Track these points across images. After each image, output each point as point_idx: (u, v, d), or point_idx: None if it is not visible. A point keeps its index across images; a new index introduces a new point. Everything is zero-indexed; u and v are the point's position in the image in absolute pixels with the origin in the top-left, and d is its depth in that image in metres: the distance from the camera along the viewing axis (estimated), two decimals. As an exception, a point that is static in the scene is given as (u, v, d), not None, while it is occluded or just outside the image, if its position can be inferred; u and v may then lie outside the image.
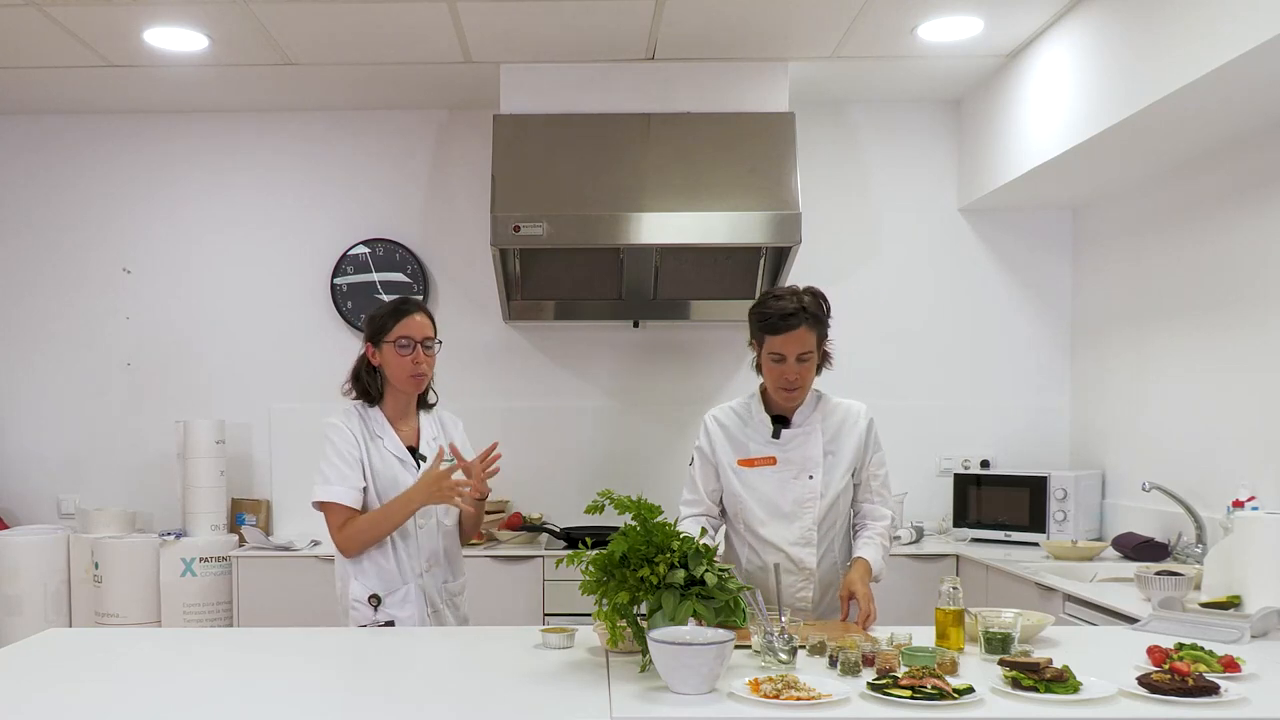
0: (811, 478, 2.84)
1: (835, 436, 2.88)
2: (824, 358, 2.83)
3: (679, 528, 2.77)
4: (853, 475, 2.89)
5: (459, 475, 2.67)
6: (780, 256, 4.24)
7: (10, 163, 4.79)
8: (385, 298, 4.53)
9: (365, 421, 2.78)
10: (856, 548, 2.86)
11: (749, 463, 2.87)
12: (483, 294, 4.69)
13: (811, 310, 2.73)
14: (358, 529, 2.69)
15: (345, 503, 2.69)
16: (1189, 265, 3.86)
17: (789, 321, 2.71)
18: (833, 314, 2.82)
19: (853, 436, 2.88)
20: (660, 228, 4.03)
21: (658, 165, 4.07)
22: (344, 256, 4.73)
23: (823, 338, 2.79)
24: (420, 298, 4.65)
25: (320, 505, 2.72)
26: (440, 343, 2.83)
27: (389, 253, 4.72)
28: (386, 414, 2.81)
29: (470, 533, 2.94)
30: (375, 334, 2.77)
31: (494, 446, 2.70)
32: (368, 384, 2.80)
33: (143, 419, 4.76)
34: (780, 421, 2.88)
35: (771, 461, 2.85)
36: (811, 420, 2.88)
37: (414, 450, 2.81)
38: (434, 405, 2.92)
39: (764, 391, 2.90)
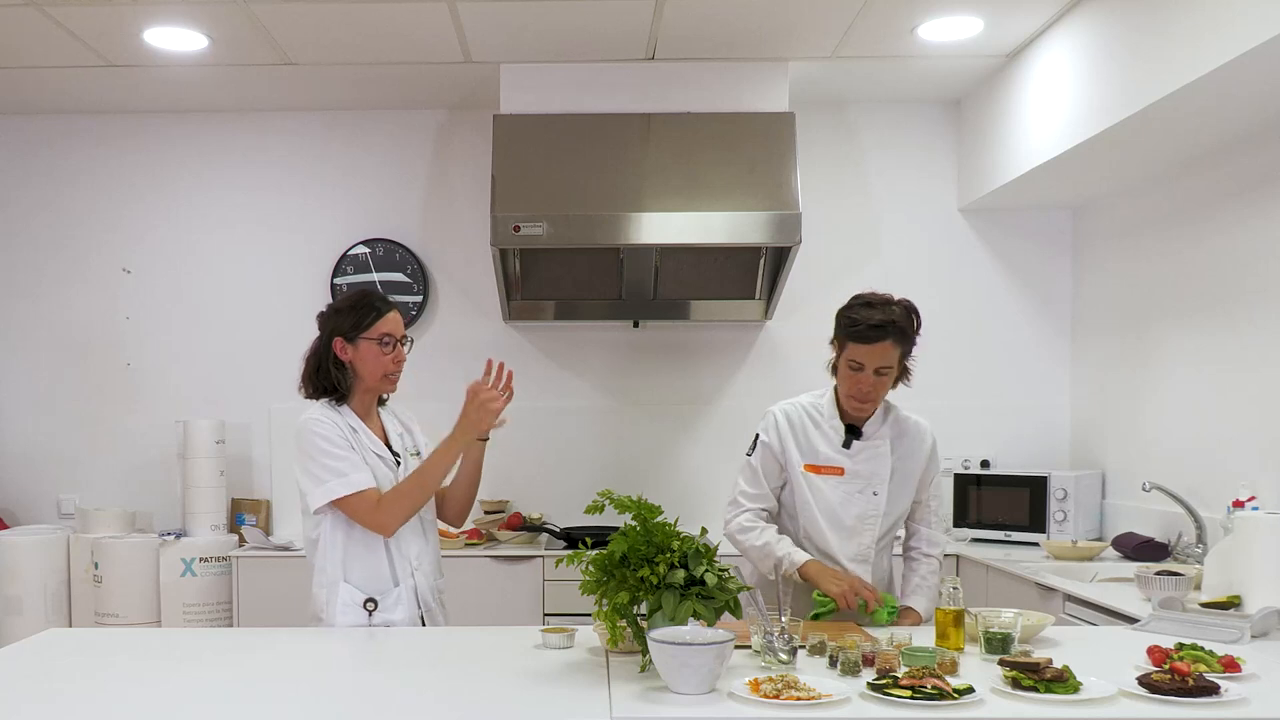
0: (876, 494, 2.77)
1: (905, 454, 2.81)
2: (904, 372, 2.75)
3: (740, 520, 2.75)
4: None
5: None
6: (780, 256, 4.24)
7: (10, 163, 4.79)
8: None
9: (341, 417, 2.66)
10: (907, 590, 2.82)
11: (815, 469, 2.78)
12: (483, 294, 4.69)
13: (901, 324, 2.65)
14: (399, 496, 2.56)
15: (371, 486, 2.57)
16: (1189, 265, 3.86)
17: (876, 333, 2.62)
18: (921, 329, 2.73)
19: (920, 455, 2.83)
20: (660, 228, 4.03)
21: (658, 165, 4.07)
22: (344, 256, 4.73)
23: (906, 354, 2.71)
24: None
25: (339, 502, 2.56)
26: (412, 341, 2.77)
27: (389, 253, 4.72)
28: (355, 411, 2.70)
29: (467, 503, 2.82)
30: (352, 328, 2.64)
31: (501, 367, 2.66)
32: (337, 380, 2.65)
33: (143, 419, 4.76)
34: (851, 431, 2.80)
35: (839, 472, 2.77)
36: (882, 433, 2.80)
37: (387, 447, 2.72)
38: (386, 401, 2.83)
39: (837, 395, 2.83)
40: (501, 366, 2.67)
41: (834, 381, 2.81)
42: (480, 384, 2.61)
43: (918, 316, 2.71)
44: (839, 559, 2.75)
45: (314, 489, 2.59)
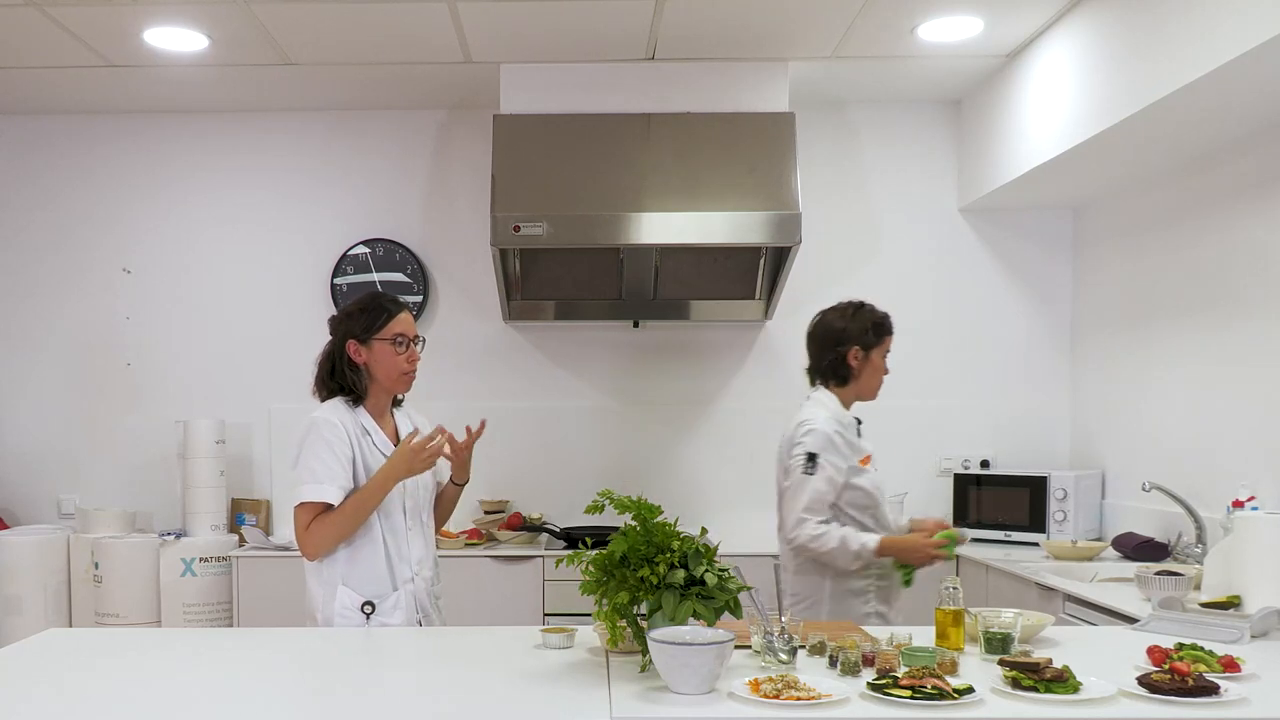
0: (877, 468, 3.11)
1: None
2: None
3: (808, 530, 2.92)
4: None
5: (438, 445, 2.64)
6: (780, 256, 4.24)
7: (10, 163, 4.79)
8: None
9: (355, 418, 2.69)
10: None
11: (866, 461, 3.05)
12: (483, 294, 4.69)
13: None
14: (330, 522, 2.58)
15: (333, 503, 2.59)
16: (1189, 265, 3.86)
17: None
18: None
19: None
20: (660, 228, 4.03)
21: (658, 165, 4.07)
22: (344, 256, 4.73)
23: None
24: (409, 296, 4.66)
25: (305, 505, 2.60)
26: (424, 341, 2.80)
27: (389, 253, 4.72)
28: (370, 412, 2.72)
29: (443, 519, 2.93)
30: (364, 330, 2.67)
31: (482, 425, 2.78)
32: (352, 381, 2.68)
33: (143, 419, 4.76)
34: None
35: (869, 457, 3.08)
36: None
37: None
38: (402, 402, 2.86)
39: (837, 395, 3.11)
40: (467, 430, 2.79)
41: (819, 390, 3.11)
42: (411, 437, 2.63)
43: None
44: (892, 530, 3.08)
45: (300, 485, 2.65)
